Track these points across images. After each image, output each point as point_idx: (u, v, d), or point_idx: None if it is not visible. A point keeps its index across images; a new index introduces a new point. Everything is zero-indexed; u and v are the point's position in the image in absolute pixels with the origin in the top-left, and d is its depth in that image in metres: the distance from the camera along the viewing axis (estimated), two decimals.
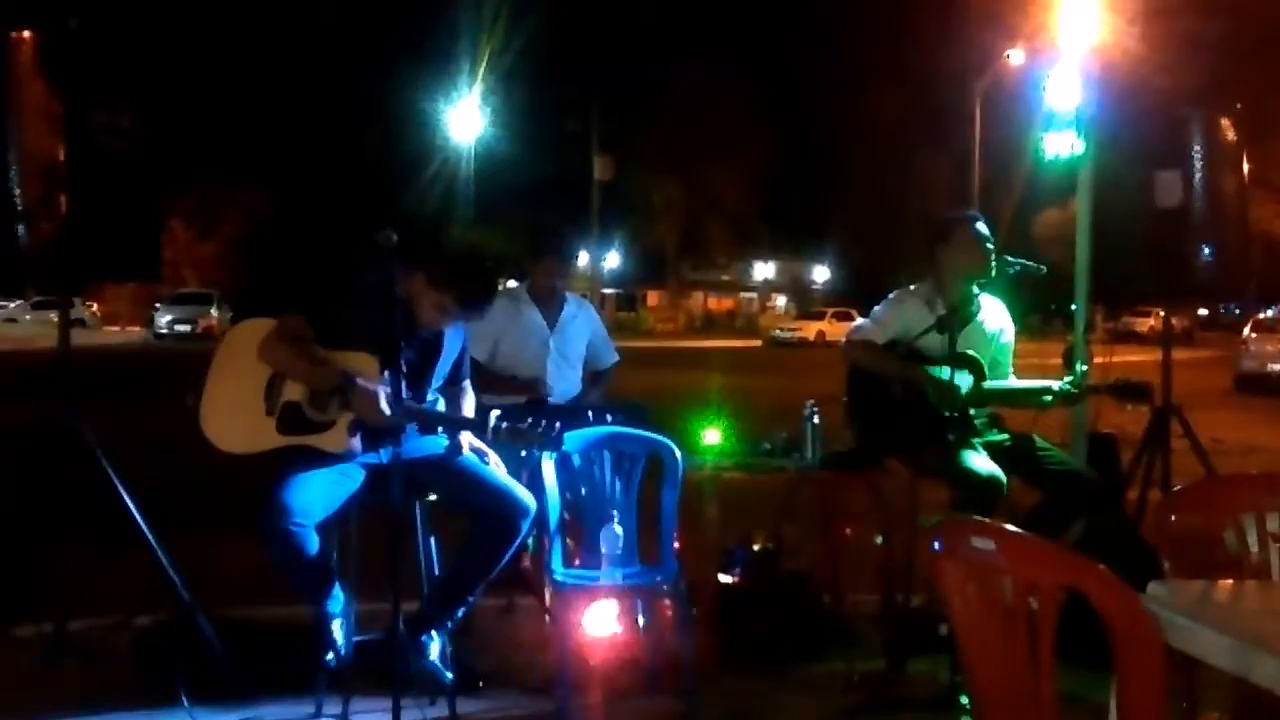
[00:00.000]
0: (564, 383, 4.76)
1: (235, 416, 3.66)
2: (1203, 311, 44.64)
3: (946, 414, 4.13)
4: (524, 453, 4.03)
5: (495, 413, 3.65)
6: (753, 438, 4.69)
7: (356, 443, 3.62)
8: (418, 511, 3.80)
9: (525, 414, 3.69)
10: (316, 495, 3.57)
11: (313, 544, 3.54)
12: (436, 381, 3.88)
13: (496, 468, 3.84)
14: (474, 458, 3.81)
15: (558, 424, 3.65)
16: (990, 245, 4.31)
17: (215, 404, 3.68)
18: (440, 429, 3.82)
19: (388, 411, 3.48)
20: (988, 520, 2.28)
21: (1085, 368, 4.52)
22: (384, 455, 3.53)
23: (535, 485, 3.99)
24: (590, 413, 4.14)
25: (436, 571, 3.85)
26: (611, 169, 43.00)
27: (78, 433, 4.06)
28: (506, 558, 3.78)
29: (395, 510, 3.41)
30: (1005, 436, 4.36)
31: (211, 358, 3.78)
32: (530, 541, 4.40)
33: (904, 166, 44.77)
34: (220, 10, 36.69)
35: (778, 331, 41.88)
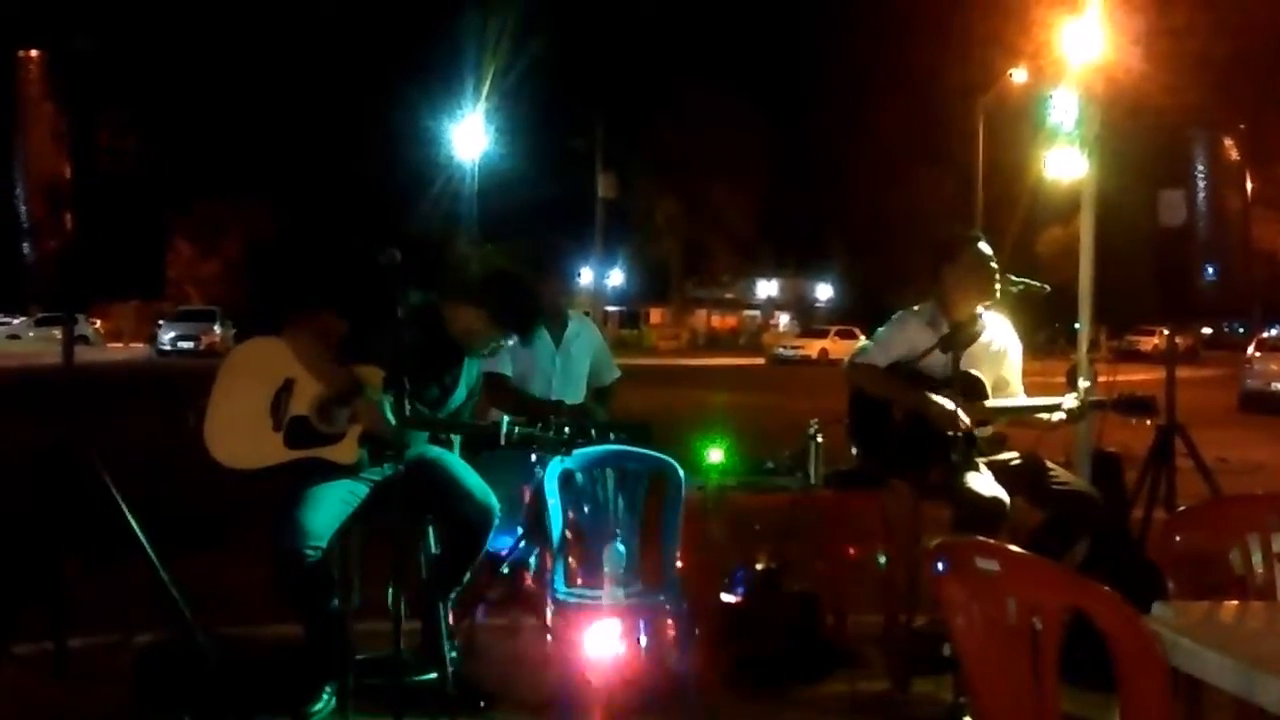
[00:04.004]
0: (568, 401, 4.76)
1: (241, 433, 3.67)
2: (1207, 330, 44.59)
3: (949, 434, 4.12)
4: (534, 457, 4.06)
5: (506, 417, 3.69)
6: (756, 457, 4.68)
7: (364, 454, 3.65)
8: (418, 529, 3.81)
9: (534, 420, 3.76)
10: (328, 515, 3.61)
11: (323, 565, 3.59)
12: (454, 402, 3.92)
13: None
14: (454, 457, 3.89)
15: (566, 428, 3.69)
16: (994, 265, 4.32)
17: (219, 422, 3.69)
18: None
19: (391, 420, 3.52)
20: (991, 541, 2.26)
21: (1089, 385, 4.51)
22: (388, 469, 3.59)
23: (539, 503, 4.00)
24: (594, 430, 4.15)
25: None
26: (615, 187, 43.06)
27: (81, 451, 4.06)
28: (474, 561, 3.88)
29: (397, 528, 3.43)
30: (1009, 456, 4.35)
31: (214, 376, 3.80)
32: (532, 560, 4.41)
33: (907, 185, 44.83)
34: (224, 30, 36.87)
35: (781, 349, 41.84)
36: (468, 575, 3.91)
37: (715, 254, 52.87)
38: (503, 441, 3.68)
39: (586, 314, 5.42)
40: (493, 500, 3.82)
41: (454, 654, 3.84)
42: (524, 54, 36.57)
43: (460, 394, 3.96)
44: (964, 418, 4.08)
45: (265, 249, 39.83)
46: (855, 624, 4.64)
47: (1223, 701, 2.15)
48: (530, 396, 4.62)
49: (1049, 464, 4.31)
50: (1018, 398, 4.46)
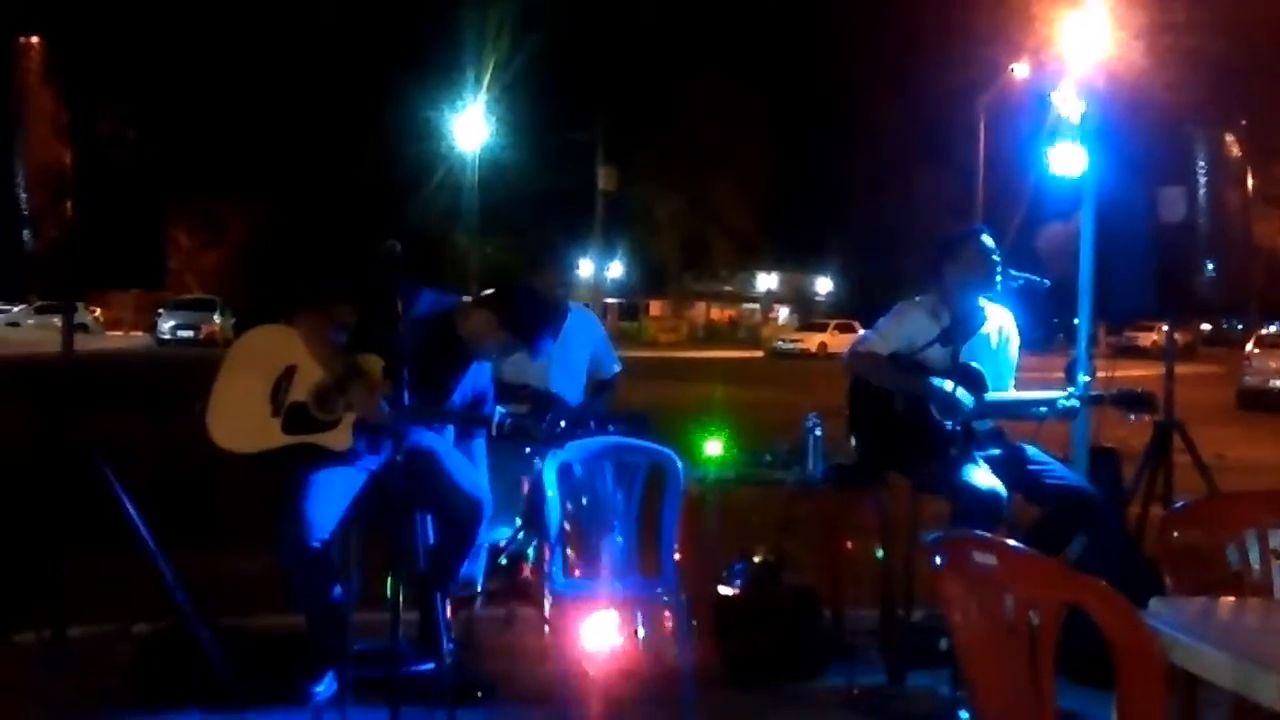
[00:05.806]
0: (566, 393, 4.75)
1: (240, 417, 3.72)
2: (1205, 327, 44.60)
3: (948, 427, 4.12)
4: (528, 449, 4.06)
5: (500, 409, 3.69)
6: (754, 450, 4.68)
7: (360, 442, 3.67)
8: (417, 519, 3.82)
9: (531, 414, 3.76)
10: (330, 506, 3.63)
11: (325, 556, 3.61)
12: (458, 403, 3.93)
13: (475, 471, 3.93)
14: (447, 447, 3.90)
15: (562, 421, 3.70)
16: (996, 258, 4.31)
17: (220, 406, 3.75)
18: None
19: (385, 409, 3.53)
20: (989, 535, 2.27)
21: (1088, 379, 4.51)
22: (384, 455, 3.61)
23: (537, 494, 4.00)
24: (593, 423, 4.15)
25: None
26: (616, 179, 43.02)
27: (80, 439, 4.06)
28: (467, 553, 3.89)
29: (395, 518, 3.44)
30: (1007, 450, 4.35)
31: (215, 365, 3.83)
32: (530, 552, 4.41)
33: (908, 179, 44.80)
34: (225, 20, 36.77)
35: (780, 343, 41.91)
36: (479, 568, 3.92)
37: (715, 247, 52.84)
38: (494, 433, 3.69)
39: (587, 306, 5.41)
40: (482, 492, 3.83)
41: (451, 645, 3.84)
42: (525, 46, 36.54)
43: (464, 395, 3.96)
44: (965, 408, 4.08)
45: (274, 239, 39.77)
46: (852, 618, 4.64)
47: (1219, 697, 2.16)
48: (527, 390, 4.62)
49: (1046, 458, 4.31)
50: (1013, 392, 4.46)
